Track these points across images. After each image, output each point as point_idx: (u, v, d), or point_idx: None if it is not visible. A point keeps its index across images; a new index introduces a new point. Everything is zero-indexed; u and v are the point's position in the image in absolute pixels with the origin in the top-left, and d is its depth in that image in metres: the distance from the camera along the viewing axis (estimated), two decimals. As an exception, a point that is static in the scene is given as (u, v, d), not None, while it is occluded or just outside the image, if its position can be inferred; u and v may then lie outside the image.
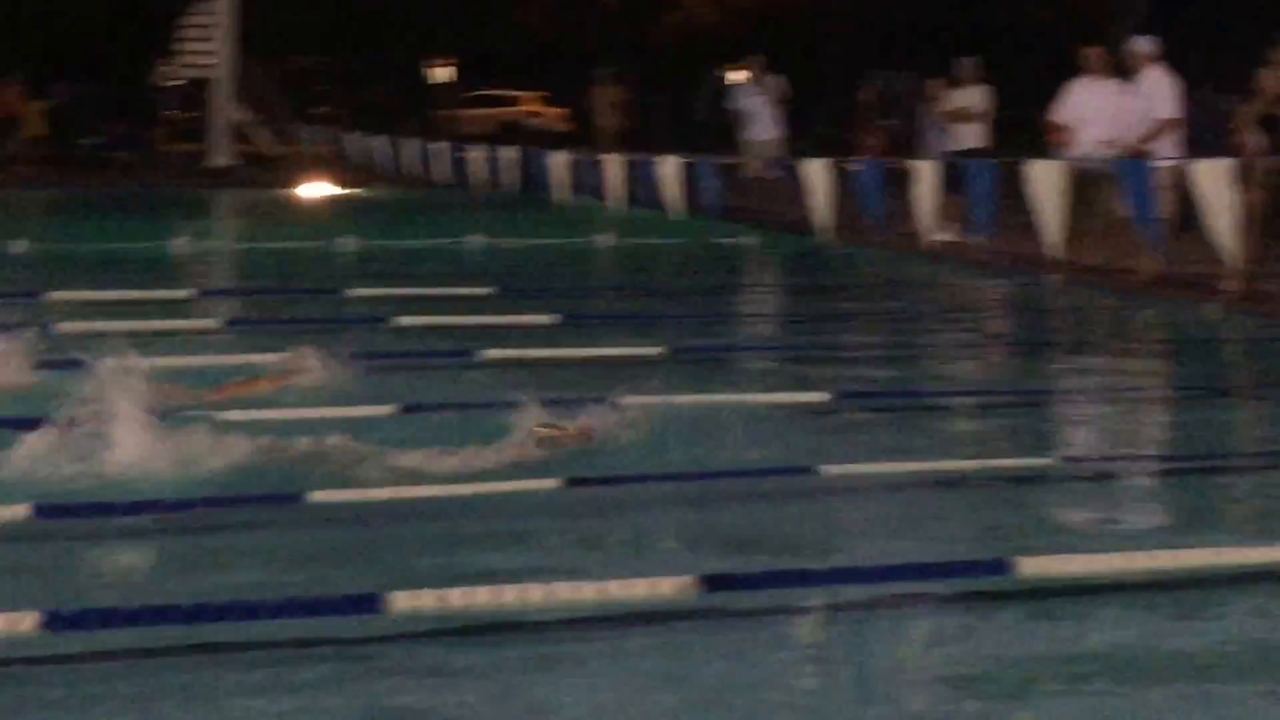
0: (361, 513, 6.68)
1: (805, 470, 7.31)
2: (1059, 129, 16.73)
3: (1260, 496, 7.51)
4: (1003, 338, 13.51)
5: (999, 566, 5.83)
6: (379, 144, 34.46)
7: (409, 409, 8.43)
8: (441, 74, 56.23)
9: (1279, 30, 16.90)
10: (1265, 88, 15.13)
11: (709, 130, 23.28)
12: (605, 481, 7.15)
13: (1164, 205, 15.11)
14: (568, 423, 7.76)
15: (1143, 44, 16.10)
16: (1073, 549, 6.09)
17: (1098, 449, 8.43)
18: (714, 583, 5.63)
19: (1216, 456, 8.24)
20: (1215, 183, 13.67)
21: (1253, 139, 15.19)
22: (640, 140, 31.86)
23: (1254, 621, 5.51)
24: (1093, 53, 16.80)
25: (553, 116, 51.58)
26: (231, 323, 12.09)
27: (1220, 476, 7.91)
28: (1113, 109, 16.07)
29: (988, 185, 17.24)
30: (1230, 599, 5.73)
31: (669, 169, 23.25)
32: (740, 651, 5.12)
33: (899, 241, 18.93)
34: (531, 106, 52.41)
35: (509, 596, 5.30)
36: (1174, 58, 16.44)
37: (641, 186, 24.00)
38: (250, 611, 5.24)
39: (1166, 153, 15.60)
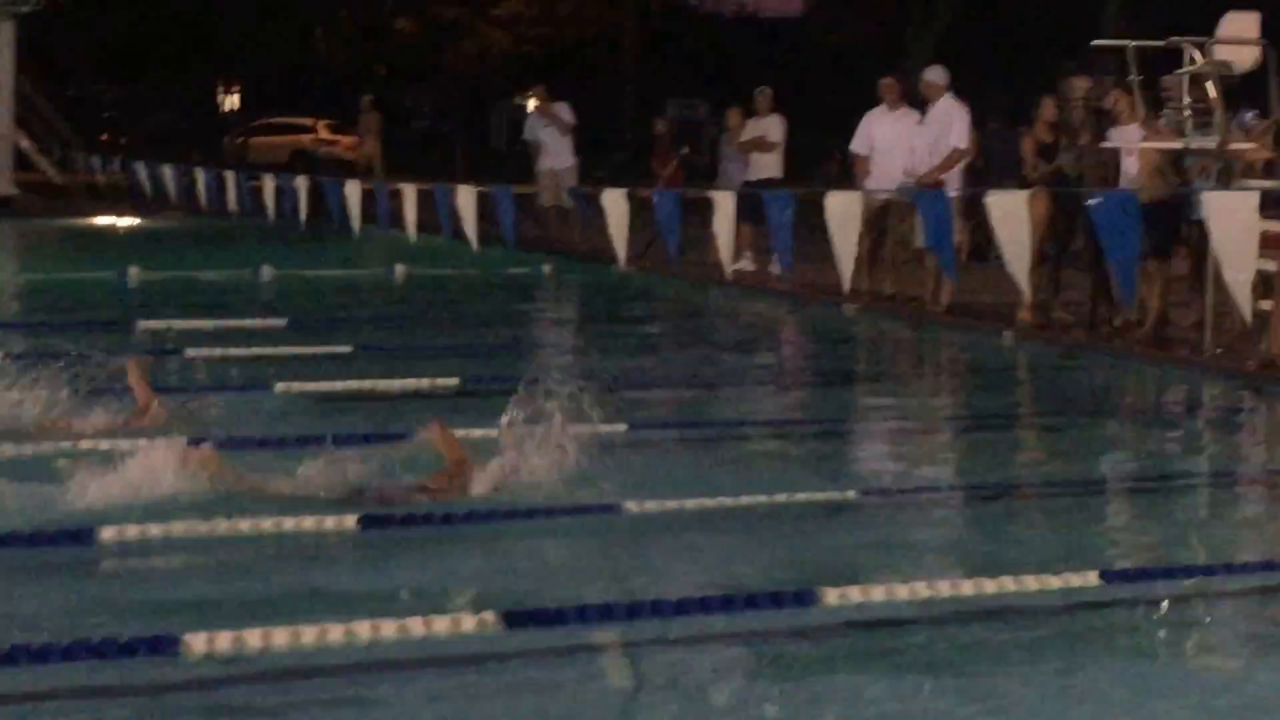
0: (156, 551, 6.54)
1: (608, 508, 7.31)
2: (859, 159, 16.93)
3: (1049, 527, 7.63)
4: (799, 368, 13.64)
5: (806, 597, 5.86)
6: (170, 172, 33.87)
7: (193, 443, 8.29)
8: (233, 101, 55.59)
9: (1066, 62, 17.31)
10: (1045, 116, 15.43)
11: (506, 158, 23.15)
12: (403, 522, 7.08)
13: (959, 235, 15.35)
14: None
15: (935, 74, 16.34)
16: (875, 579, 6.14)
17: (895, 480, 8.51)
18: (515, 619, 5.60)
19: (1008, 486, 8.38)
20: (1007, 213, 13.91)
21: (1036, 168, 15.46)
22: (438, 169, 31.68)
23: (1063, 646, 5.60)
24: (888, 83, 17.04)
25: (345, 145, 51.18)
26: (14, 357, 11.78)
27: (1012, 505, 8.05)
28: (909, 139, 16.30)
29: (786, 215, 17.38)
30: (1035, 625, 5.83)
31: (466, 198, 23.14)
32: (540, 689, 5.09)
33: (699, 271, 19.01)
34: (324, 134, 51.93)
35: (308, 637, 5.22)
36: (966, 89, 16.73)
37: (439, 216, 23.87)
38: (40, 656, 5.10)
39: (958, 183, 15.86)
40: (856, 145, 16.97)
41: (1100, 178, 14.23)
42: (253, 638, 5.16)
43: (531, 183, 23.67)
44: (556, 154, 22.78)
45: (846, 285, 15.80)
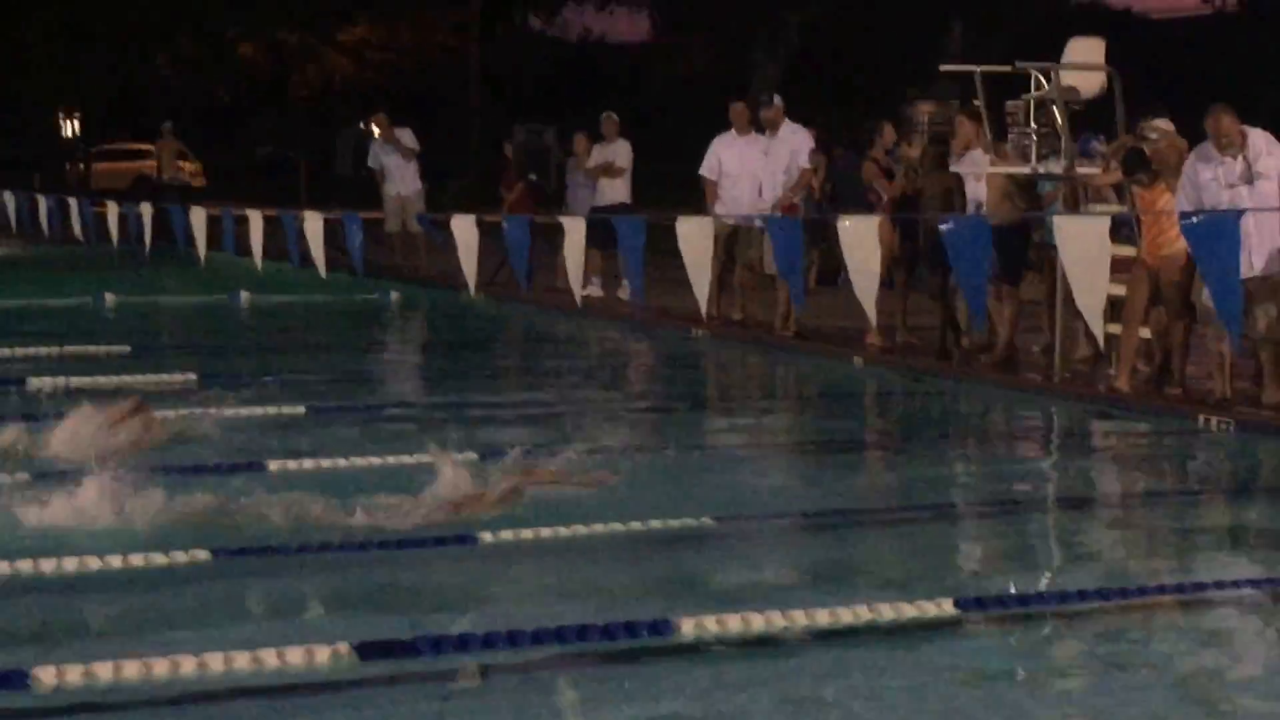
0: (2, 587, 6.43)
1: (462, 539, 7.28)
2: (709, 184, 16.99)
3: (900, 551, 7.69)
4: (648, 394, 13.66)
5: (662, 627, 5.87)
6: (9, 198, 33.28)
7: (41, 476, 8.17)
8: (74, 127, 54.75)
9: (911, 88, 17.51)
10: (885, 141, 15.61)
11: (351, 184, 22.98)
12: (255, 552, 7.00)
13: (809, 260, 15.48)
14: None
15: (777, 101, 16.54)
16: (730, 608, 6.15)
17: (748, 505, 8.50)
18: (369, 650, 5.55)
19: (855, 512, 8.44)
20: (856, 238, 14.03)
21: (879, 191, 15.64)
22: (282, 195, 31.28)
23: (913, 670, 5.66)
24: (739, 109, 17.10)
25: (187, 172, 50.68)
26: None
27: (859, 531, 8.10)
28: (757, 164, 16.42)
29: (636, 241, 17.39)
30: (889, 650, 5.88)
31: (313, 225, 22.94)
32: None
33: (549, 298, 19.00)
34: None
35: (160, 669, 5.15)
36: (814, 116, 16.92)
37: (285, 242, 23.64)
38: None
39: (806, 208, 16.03)
40: (705, 170, 17.04)
41: (946, 203, 14.41)
42: (102, 670, 5.07)
43: (378, 209, 23.52)
44: (401, 180, 22.65)
45: (704, 309, 15.86)
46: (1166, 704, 5.52)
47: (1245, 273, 10.80)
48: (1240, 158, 11.24)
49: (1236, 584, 6.94)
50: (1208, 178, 11.33)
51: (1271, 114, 12.17)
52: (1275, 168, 11.25)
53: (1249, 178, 11.22)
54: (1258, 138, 11.36)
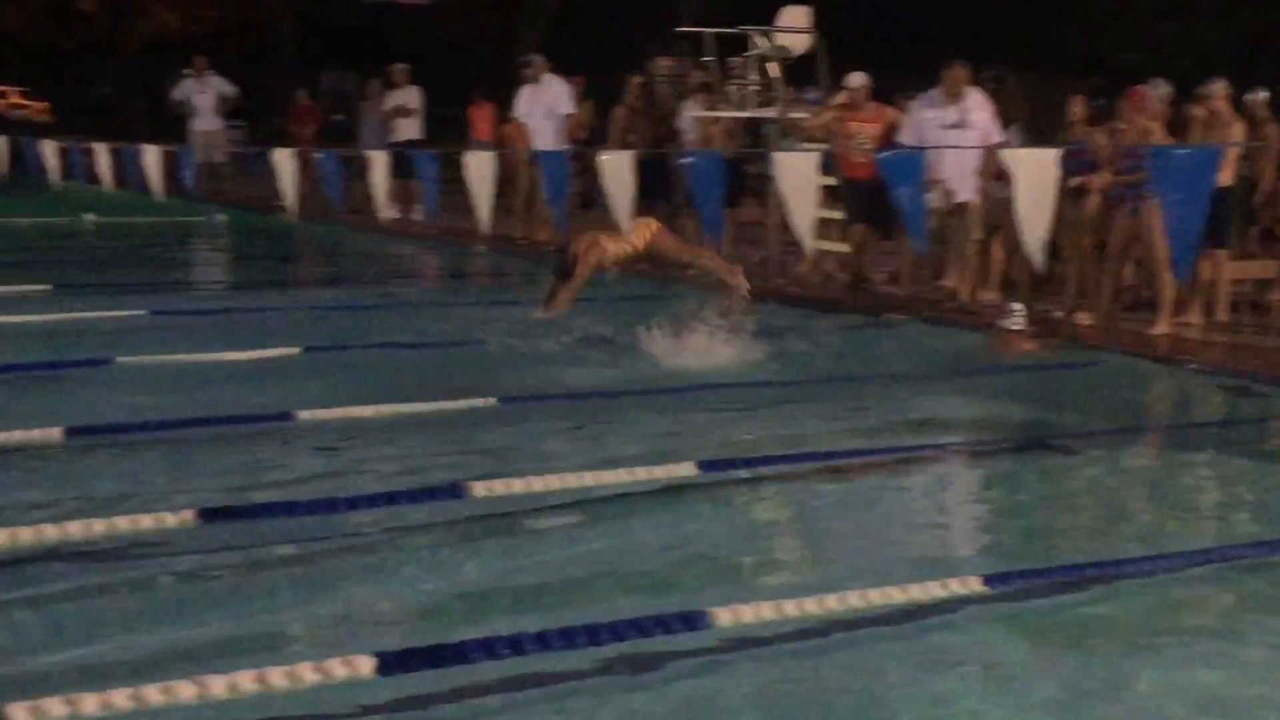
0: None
1: (282, 416, 7.13)
2: (516, 125, 16.79)
3: (649, 425, 7.66)
4: (441, 297, 13.48)
5: (456, 491, 5.82)
6: None
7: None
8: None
9: (653, 45, 17.48)
10: (632, 91, 15.49)
11: (180, 123, 22.38)
12: (106, 429, 6.80)
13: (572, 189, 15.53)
14: None
15: (537, 58, 16.67)
16: (515, 473, 6.11)
17: (529, 387, 8.42)
18: (211, 515, 5.43)
19: (623, 393, 8.39)
20: (614, 171, 14.05)
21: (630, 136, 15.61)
22: (119, 133, 30.16)
23: (670, 529, 5.70)
24: (531, 62, 16.88)
25: (36, 109, 48.83)
26: None
27: (627, 405, 8.08)
28: (542, 109, 16.37)
29: (432, 172, 17.37)
30: (650, 510, 5.90)
31: (151, 156, 22.38)
32: (236, 583, 4.96)
33: (357, 219, 18.79)
34: (15, 99, 49.44)
35: (25, 536, 4.99)
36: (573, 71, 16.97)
37: (129, 172, 22.97)
38: None
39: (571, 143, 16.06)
40: (517, 113, 16.79)
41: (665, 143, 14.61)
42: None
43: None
44: (206, 117, 22.08)
45: (482, 229, 15.85)
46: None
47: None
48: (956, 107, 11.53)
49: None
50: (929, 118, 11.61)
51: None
52: (982, 121, 11.54)
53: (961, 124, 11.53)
54: (976, 94, 11.64)
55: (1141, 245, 10.38)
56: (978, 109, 11.62)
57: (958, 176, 11.50)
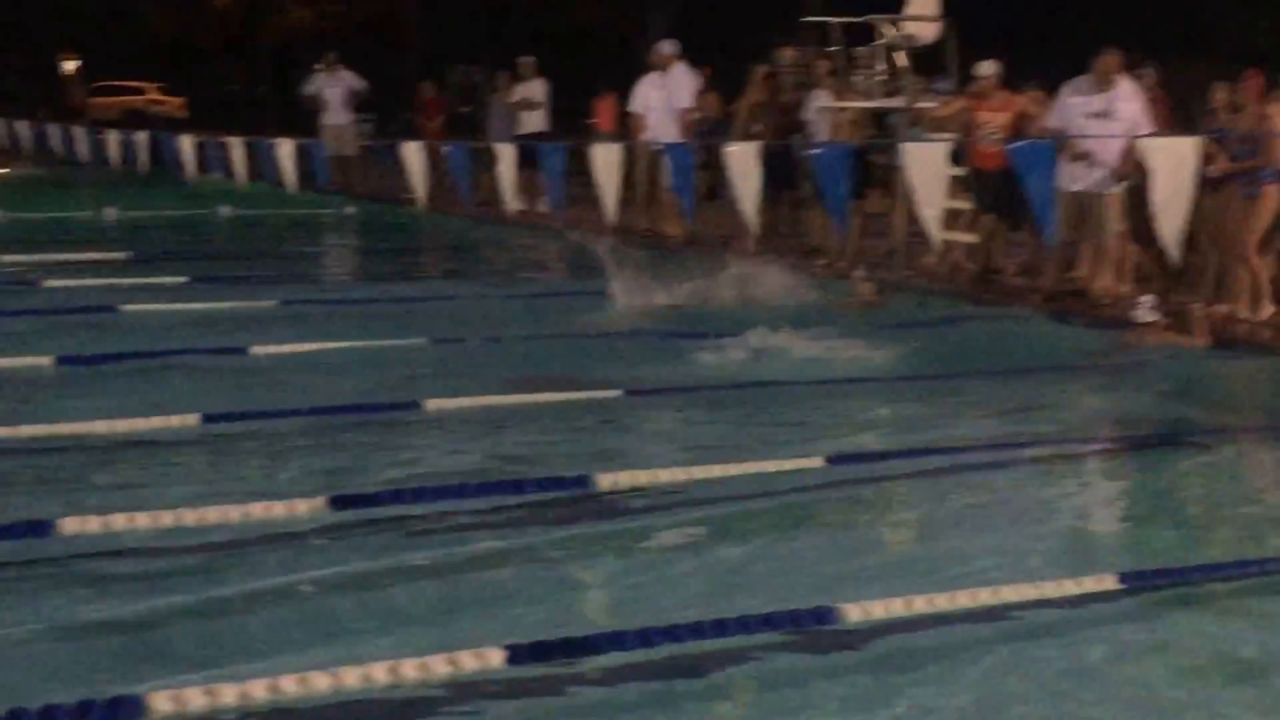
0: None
1: (410, 405, 7.18)
2: (635, 117, 16.62)
3: (776, 417, 7.59)
4: (568, 288, 13.40)
5: (581, 482, 5.82)
6: (22, 127, 32.50)
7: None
8: (70, 66, 53.48)
9: (778, 35, 17.34)
10: (757, 80, 15.38)
11: (312, 118, 22.64)
12: (242, 417, 6.89)
13: (698, 181, 15.40)
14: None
15: (666, 46, 16.27)
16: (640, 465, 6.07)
17: (654, 379, 8.30)
18: (342, 502, 5.48)
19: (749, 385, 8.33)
20: (739, 163, 13.96)
21: (754, 127, 15.42)
22: (252, 128, 30.62)
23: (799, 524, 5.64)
24: (658, 51, 16.68)
25: (173, 105, 49.73)
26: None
27: (753, 398, 8.02)
28: (663, 100, 16.15)
29: (558, 164, 17.33)
30: (777, 504, 5.85)
31: (284, 150, 22.69)
32: (368, 560, 4.99)
33: (484, 212, 18.88)
34: (153, 96, 50.40)
35: (167, 520, 5.07)
36: (699, 60, 16.74)
37: (262, 165, 23.31)
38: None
39: (690, 136, 15.85)
40: (634, 105, 16.63)
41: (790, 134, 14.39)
42: (118, 521, 4.98)
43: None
44: (336, 112, 22.25)
45: (608, 220, 15.80)
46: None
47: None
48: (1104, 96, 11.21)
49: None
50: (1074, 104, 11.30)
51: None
52: (1130, 112, 11.20)
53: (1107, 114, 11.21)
54: (1126, 83, 11.33)
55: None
56: (1127, 99, 11.23)
57: (1098, 167, 11.19)
